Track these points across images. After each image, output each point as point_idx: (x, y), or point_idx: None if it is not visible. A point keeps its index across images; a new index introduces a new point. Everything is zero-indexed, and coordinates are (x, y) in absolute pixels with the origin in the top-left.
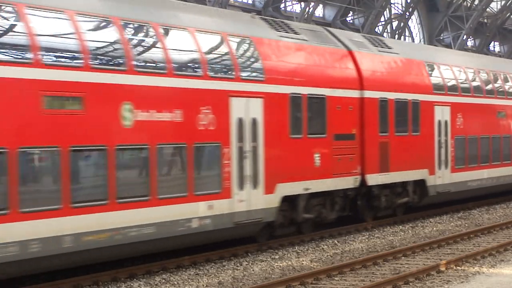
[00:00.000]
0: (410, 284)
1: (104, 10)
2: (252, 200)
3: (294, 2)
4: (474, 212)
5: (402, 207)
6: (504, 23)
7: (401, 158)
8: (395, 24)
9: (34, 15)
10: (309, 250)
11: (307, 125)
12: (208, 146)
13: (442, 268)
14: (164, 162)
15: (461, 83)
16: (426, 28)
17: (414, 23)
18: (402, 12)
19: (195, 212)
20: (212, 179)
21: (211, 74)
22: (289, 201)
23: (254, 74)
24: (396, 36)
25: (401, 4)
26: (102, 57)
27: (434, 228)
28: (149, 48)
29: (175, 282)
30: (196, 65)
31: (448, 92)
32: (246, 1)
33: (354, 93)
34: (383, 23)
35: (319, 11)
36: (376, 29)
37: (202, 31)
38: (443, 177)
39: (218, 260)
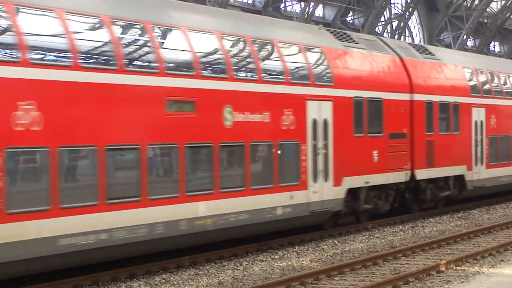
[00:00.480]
0: (410, 284)
1: (208, 27)
2: (324, 191)
3: (294, 2)
4: (474, 212)
5: (443, 200)
6: (504, 23)
7: (444, 155)
8: (395, 24)
9: (159, 32)
10: (309, 250)
11: (367, 125)
12: (289, 143)
13: (442, 268)
14: (256, 158)
15: (494, 86)
16: (426, 28)
17: (414, 23)
18: (402, 12)
19: (279, 202)
20: (292, 173)
21: (292, 80)
22: (351, 193)
23: (325, 80)
24: (396, 36)
25: (401, 4)
26: (210, 67)
27: (434, 228)
28: (244, 58)
29: (175, 282)
30: (280, 73)
31: (484, 95)
32: (246, 1)
33: (405, 96)
34: (383, 23)
35: (319, 11)
36: (376, 29)
37: (285, 43)
38: (479, 173)
39: (218, 260)
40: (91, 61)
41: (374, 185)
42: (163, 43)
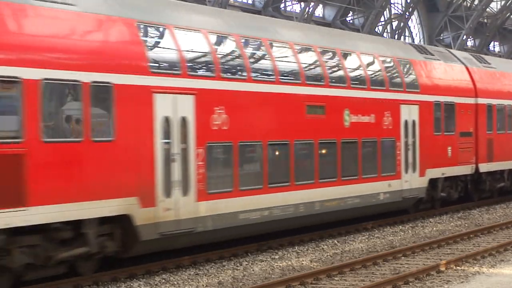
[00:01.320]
0: (410, 284)
1: (332, 46)
2: (412, 180)
3: (294, 2)
4: (474, 212)
5: (497, 191)
6: (504, 23)
7: (501, 151)
8: (395, 24)
9: (299, 51)
10: (309, 250)
11: (444, 125)
12: (388, 140)
13: (442, 268)
14: (365, 152)
15: None
16: (426, 28)
17: (414, 23)
18: (402, 12)
19: (381, 189)
20: (390, 165)
21: (390, 88)
22: (430, 183)
23: (413, 87)
24: (396, 36)
25: (401, 4)
26: (334, 78)
27: (434, 228)
28: (358, 70)
29: (175, 282)
30: (382, 82)
31: None
32: (246, 1)
33: (471, 100)
34: (383, 23)
35: (319, 11)
36: (376, 29)
37: (383, 56)
38: None
39: (218, 260)
40: (258, 75)
41: (448, 176)
42: (303, 59)
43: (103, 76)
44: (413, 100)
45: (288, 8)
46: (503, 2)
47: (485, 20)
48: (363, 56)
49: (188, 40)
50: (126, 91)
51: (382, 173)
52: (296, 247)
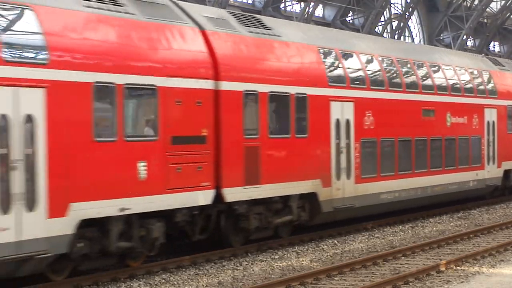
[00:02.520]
0: (410, 284)
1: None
2: (492, 171)
3: (294, 2)
4: (474, 212)
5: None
6: (504, 23)
7: None
8: (395, 24)
9: (418, 67)
10: (309, 250)
11: None
12: (476, 138)
13: (442, 268)
14: (461, 147)
15: None
16: (426, 28)
17: (414, 23)
18: (402, 12)
19: (471, 177)
20: (477, 158)
21: (478, 94)
22: (504, 173)
23: (492, 93)
24: (396, 36)
25: (401, 4)
26: (440, 86)
27: (434, 228)
28: (453, 80)
29: (175, 282)
30: (471, 89)
31: None
32: (246, 1)
33: None
34: (383, 23)
35: (319, 11)
36: (376, 29)
37: (472, 68)
38: None
39: (218, 260)
40: (392, 86)
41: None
42: (419, 73)
43: (302, 89)
44: (492, 104)
45: (288, 8)
46: (503, 2)
47: (485, 20)
48: (458, 69)
49: (348, 60)
50: (315, 99)
51: (472, 165)
52: (296, 247)
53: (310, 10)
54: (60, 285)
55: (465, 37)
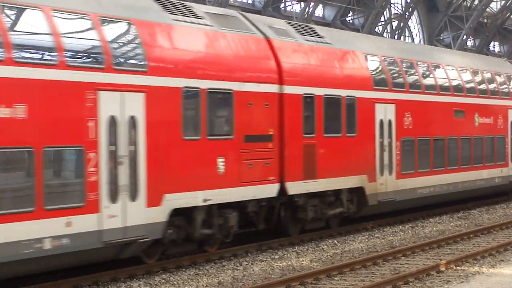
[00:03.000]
0: (410, 284)
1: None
2: None
3: (294, 2)
4: (474, 212)
5: None
6: (504, 23)
7: None
8: (395, 24)
9: (450, 71)
10: (309, 250)
11: None
12: (500, 137)
13: (442, 268)
14: (488, 146)
15: None
16: (426, 28)
17: (414, 23)
18: (402, 12)
19: (496, 174)
20: (501, 156)
21: (502, 96)
22: None
23: None
24: (396, 36)
25: (401, 4)
26: (468, 88)
27: (434, 228)
28: (480, 83)
29: (175, 282)
30: (497, 92)
31: None
32: (245, 1)
33: None
34: (383, 23)
35: (318, 11)
36: (376, 29)
37: (498, 73)
38: None
39: (218, 260)
40: (428, 89)
41: None
42: (450, 76)
43: (351, 92)
44: None
45: (288, 8)
46: (503, 2)
47: (485, 20)
48: (485, 73)
49: (389, 65)
50: (362, 101)
51: (497, 162)
52: (296, 247)
53: (310, 10)
54: (60, 285)
55: (465, 37)
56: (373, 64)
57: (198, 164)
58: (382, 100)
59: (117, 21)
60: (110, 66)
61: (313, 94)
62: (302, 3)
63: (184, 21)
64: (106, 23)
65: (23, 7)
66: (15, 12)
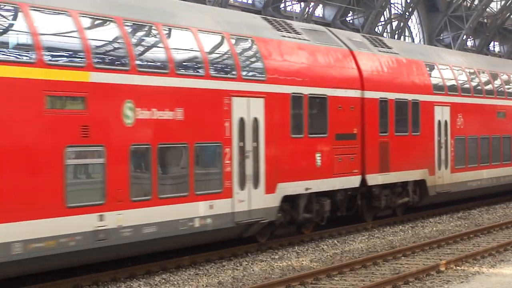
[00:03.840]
0: (410, 284)
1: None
2: None
3: (294, 2)
4: (474, 212)
5: None
6: (504, 23)
7: None
8: (395, 24)
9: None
10: (309, 250)
11: None
12: None
13: (442, 268)
14: None
15: None
16: (426, 28)
17: (414, 23)
18: (402, 12)
19: None
20: None
21: None
22: None
23: None
24: (396, 36)
25: (401, 4)
26: (502, 91)
27: (434, 228)
28: None
29: (175, 282)
30: None
31: None
32: (246, 1)
33: None
34: (383, 23)
35: (318, 11)
36: (376, 29)
37: None
38: None
39: (218, 260)
40: (476, 92)
41: None
42: (495, 81)
43: (416, 96)
44: None
45: (288, 8)
46: (503, 2)
47: (485, 20)
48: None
49: (445, 72)
50: (424, 104)
51: None
52: (296, 247)
53: (310, 10)
54: (60, 285)
55: (465, 37)
56: (432, 71)
57: (302, 158)
58: (440, 103)
59: (243, 39)
60: (240, 76)
61: (386, 98)
62: (302, 3)
63: (289, 37)
64: (235, 40)
65: (182, 29)
66: (178, 34)
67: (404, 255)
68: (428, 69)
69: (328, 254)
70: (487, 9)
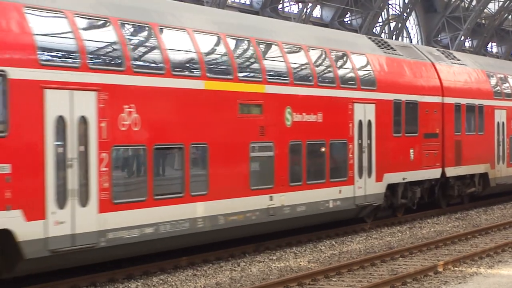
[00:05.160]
0: (408, 285)
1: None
2: None
3: (291, 3)
4: (472, 213)
5: None
6: (501, 24)
7: None
8: (392, 25)
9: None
10: (306, 251)
11: None
12: None
13: (440, 269)
14: None
15: None
16: (423, 29)
17: (411, 23)
18: (399, 13)
19: None
20: None
21: None
22: None
23: None
24: (394, 37)
25: (399, 5)
26: None
27: (432, 229)
28: None
29: (173, 283)
30: None
31: None
32: (243, 2)
33: None
34: (381, 24)
35: (316, 12)
36: (374, 30)
37: None
38: None
39: (215, 261)
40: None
41: None
42: None
43: (481, 101)
44: None
45: (286, 9)
46: (500, 3)
47: (483, 21)
48: None
49: (501, 79)
50: (487, 108)
51: None
52: (294, 248)
53: (308, 11)
54: (58, 286)
55: (462, 38)
56: (491, 79)
57: (400, 154)
58: (499, 107)
59: (360, 56)
60: (360, 86)
61: (460, 103)
62: (300, 4)
63: (389, 53)
64: (355, 57)
65: (318, 49)
66: (318, 55)
67: (402, 256)
68: (489, 77)
69: (326, 255)
70: (485, 10)
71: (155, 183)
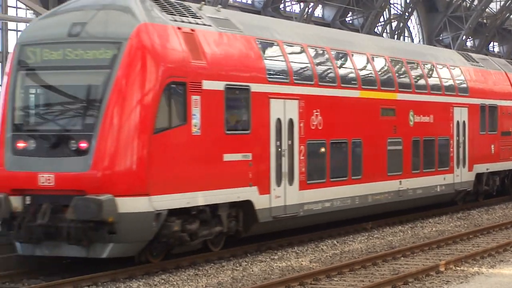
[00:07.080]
0: (409, 284)
1: None
2: None
3: (293, 3)
4: (473, 212)
5: None
6: (503, 24)
7: None
8: (394, 24)
9: None
10: (308, 250)
11: None
12: None
13: (442, 269)
14: None
15: None
16: (425, 28)
17: (413, 23)
18: (401, 13)
19: None
20: None
21: None
22: None
23: None
24: (396, 37)
25: (401, 5)
26: None
27: (433, 229)
28: None
29: (174, 283)
30: None
31: None
32: (245, 1)
33: None
34: (382, 23)
35: (318, 12)
36: (376, 30)
37: None
38: None
39: (217, 261)
40: None
41: None
42: None
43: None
44: None
45: (288, 9)
46: (502, 3)
47: (485, 21)
48: None
49: None
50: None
51: None
52: (296, 248)
53: (310, 11)
54: (60, 285)
55: (464, 37)
56: None
57: (484, 148)
58: None
59: (455, 68)
60: (458, 93)
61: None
62: (302, 4)
63: (474, 65)
64: (453, 70)
65: (442, 66)
66: (442, 70)
67: (404, 255)
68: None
69: (328, 254)
70: (487, 10)
71: (331, 169)
